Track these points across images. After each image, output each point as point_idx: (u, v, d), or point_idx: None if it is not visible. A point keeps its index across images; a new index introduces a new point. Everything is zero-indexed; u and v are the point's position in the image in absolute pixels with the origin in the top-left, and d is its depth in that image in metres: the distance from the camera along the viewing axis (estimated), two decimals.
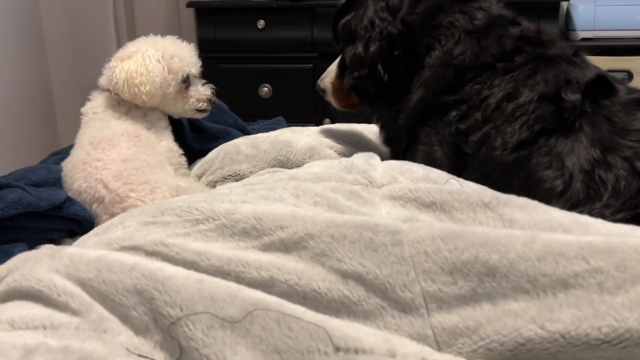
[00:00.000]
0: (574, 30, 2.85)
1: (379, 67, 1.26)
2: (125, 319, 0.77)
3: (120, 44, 1.49)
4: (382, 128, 1.41)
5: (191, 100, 1.48)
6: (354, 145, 1.57)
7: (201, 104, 1.50)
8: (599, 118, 1.04)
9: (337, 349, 0.68)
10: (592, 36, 2.82)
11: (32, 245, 1.14)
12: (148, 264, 0.80)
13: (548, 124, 1.06)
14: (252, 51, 2.99)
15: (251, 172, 1.48)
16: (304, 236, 0.80)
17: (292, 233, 0.81)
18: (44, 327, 0.76)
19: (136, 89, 1.38)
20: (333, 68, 1.47)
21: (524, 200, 0.86)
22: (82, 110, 1.46)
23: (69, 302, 0.78)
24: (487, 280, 0.72)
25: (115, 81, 1.39)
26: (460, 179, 1.00)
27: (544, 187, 1.01)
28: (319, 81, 1.49)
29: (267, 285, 0.77)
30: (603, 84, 1.09)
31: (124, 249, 0.86)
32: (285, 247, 0.80)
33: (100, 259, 0.82)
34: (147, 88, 1.38)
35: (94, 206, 1.28)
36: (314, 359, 0.68)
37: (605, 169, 0.98)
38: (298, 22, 2.92)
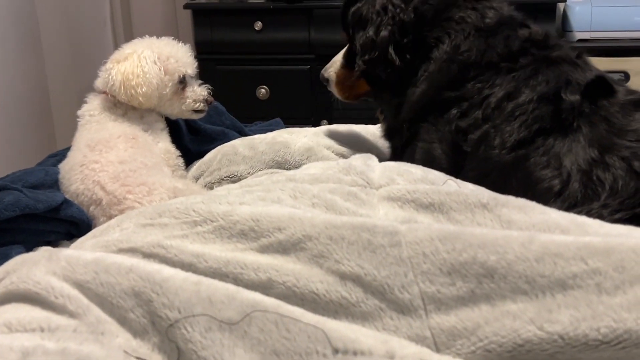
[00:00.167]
0: (571, 31, 2.86)
1: (390, 50, 1.26)
2: (123, 321, 0.77)
3: (117, 47, 1.49)
4: (384, 120, 1.41)
5: (188, 100, 1.48)
6: (352, 146, 1.57)
7: (198, 104, 1.49)
8: (597, 118, 1.04)
9: (336, 351, 0.68)
10: (588, 37, 2.83)
11: (29, 248, 1.14)
12: (146, 266, 0.79)
13: (546, 123, 1.06)
14: (250, 53, 2.99)
15: (249, 174, 1.47)
16: (302, 238, 0.80)
17: (290, 234, 0.81)
18: (42, 330, 0.76)
19: (133, 91, 1.37)
20: (338, 58, 1.47)
21: (521, 201, 0.86)
22: (79, 112, 1.45)
23: (66, 304, 0.78)
24: (485, 281, 0.72)
25: (112, 83, 1.39)
26: (459, 180, 1.00)
27: (542, 186, 1.01)
28: (322, 71, 1.49)
29: (265, 287, 0.77)
30: (602, 85, 1.09)
31: (121, 251, 0.86)
32: (284, 248, 0.80)
33: (98, 261, 0.82)
34: (143, 89, 1.37)
35: (91, 208, 1.28)
36: None
37: (603, 168, 0.98)
38: (295, 23, 2.92)
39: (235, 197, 0.93)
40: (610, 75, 1.15)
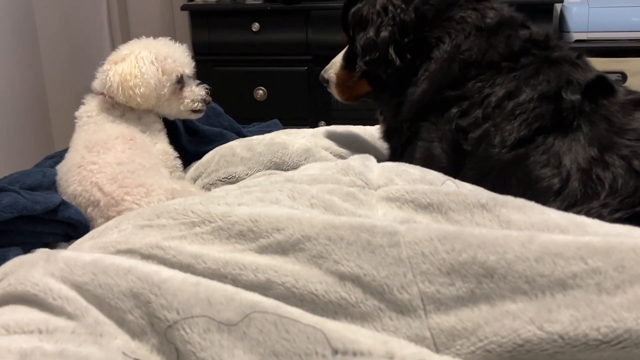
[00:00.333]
0: (568, 32, 2.86)
1: (391, 50, 1.26)
2: (121, 322, 0.77)
3: (114, 48, 1.48)
4: (383, 121, 1.41)
5: (186, 100, 1.48)
6: (350, 147, 1.57)
7: (196, 104, 1.49)
8: (597, 117, 1.04)
9: (335, 352, 0.68)
10: (585, 38, 2.83)
11: (27, 249, 1.13)
12: (144, 267, 0.79)
13: (547, 122, 1.06)
14: (247, 54, 2.99)
15: (247, 175, 1.47)
16: (300, 238, 0.80)
17: (288, 235, 0.81)
18: (40, 332, 0.76)
19: (130, 92, 1.37)
20: (338, 59, 1.47)
21: (520, 201, 0.86)
22: (77, 114, 1.45)
23: (64, 306, 0.78)
24: (485, 281, 0.71)
25: (109, 84, 1.38)
26: (457, 181, 1.00)
27: (542, 185, 1.01)
28: (322, 72, 1.49)
29: (264, 288, 0.77)
30: (603, 85, 1.10)
31: (119, 252, 0.86)
32: (282, 249, 0.80)
33: (96, 262, 0.81)
34: (141, 90, 1.37)
35: (89, 209, 1.28)
36: None
37: (602, 167, 0.98)
38: (292, 24, 2.92)
39: (234, 198, 0.93)
40: (608, 75, 1.15)
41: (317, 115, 2.96)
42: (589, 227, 0.81)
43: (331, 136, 1.59)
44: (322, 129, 1.65)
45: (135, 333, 0.76)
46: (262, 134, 1.63)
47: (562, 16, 2.93)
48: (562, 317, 0.67)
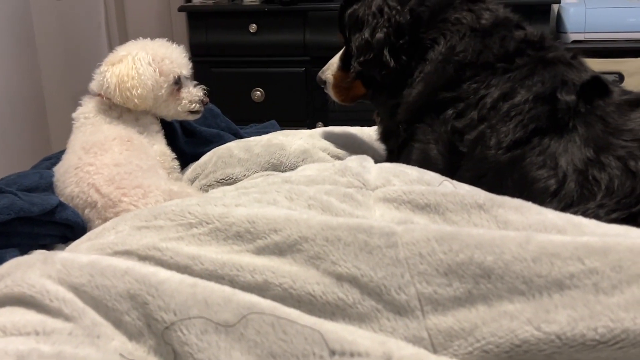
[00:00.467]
0: (565, 32, 2.87)
1: (385, 52, 1.26)
2: (118, 324, 0.77)
3: (111, 49, 1.48)
4: (380, 123, 1.41)
5: (183, 101, 1.47)
6: (348, 148, 1.57)
7: (193, 105, 1.49)
8: (593, 118, 1.04)
9: (333, 353, 0.68)
10: (583, 38, 2.84)
11: (24, 251, 1.13)
12: (141, 269, 0.79)
13: (542, 123, 1.06)
14: (245, 55, 2.99)
15: (244, 176, 1.47)
16: (298, 239, 0.80)
17: (286, 236, 0.81)
18: (37, 333, 0.76)
19: (128, 93, 1.37)
20: (335, 60, 1.47)
21: (518, 202, 0.86)
22: (74, 115, 1.45)
23: (61, 307, 0.78)
24: (482, 281, 0.71)
25: (107, 85, 1.38)
26: (454, 181, 1.00)
27: (538, 186, 1.01)
28: (320, 73, 1.49)
29: (261, 289, 0.77)
30: (598, 85, 1.10)
31: (116, 253, 0.86)
32: (280, 250, 0.80)
33: (93, 263, 0.81)
34: (138, 91, 1.37)
35: (86, 211, 1.28)
36: None
37: (599, 168, 0.98)
38: (290, 26, 2.92)
39: (231, 199, 0.93)
40: (605, 76, 1.16)
41: (315, 116, 2.96)
42: (586, 228, 0.81)
43: (329, 137, 1.59)
44: (320, 130, 1.65)
45: (132, 334, 0.76)
46: (260, 135, 1.63)
47: (559, 17, 2.94)
48: (559, 318, 0.67)
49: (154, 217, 0.91)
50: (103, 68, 1.41)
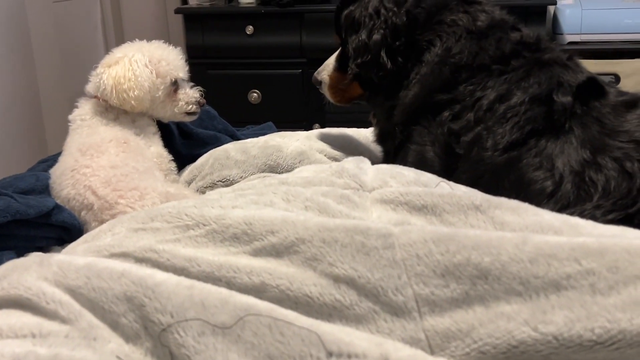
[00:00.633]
0: (561, 34, 2.87)
1: (382, 54, 1.26)
2: (115, 326, 0.77)
3: (108, 51, 1.48)
4: (377, 124, 1.41)
5: (180, 103, 1.47)
6: (344, 149, 1.57)
7: (190, 106, 1.49)
8: (589, 119, 1.04)
9: (330, 354, 0.68)
10: (579, 40, 2.84)
11: (20, 254, 1.12)
12: (138, 271, 0.79)
13: (538, 125, 1.06)
14: (241, 57, 2.99)
15: (241, 178, 1.47)
16: (295, 241, 0.80)
17: (283, 238, 0.80)
18: (33, 336, 0.76)
19: (125, 95, 1.37)
20: (331, 61, 1.47)
21: (514, 203, 0.86)
22: (70, 117, 1.45)
23: (58, 310, 0.78)
24: (479, 282, 0.71)
25: (103, 87, 1.38)
26: (451, 182, 1.00)
27: (535, 188, 1.01)
28: (315, 74, 1.49)
29: (258, 291, 0.77)
30: (594, 87, 1.10)
31: (113, 255, 0.86)
32: (277, 251, 0.80)
33: (90, 266, 0.81)
34: (135, 93, 1.37)
35: (82, 213, 1.27)
36: None
37: (595, 169, 0.98)
38: (287, 27, 2.93)
39: (228, 201, 0.92)
40: (601, 77, 1.16)
41: (312, 117, 2.96)
42: (582, 229, 0.81)
43: (325, 139, 1.59)
44: (317, 132, 1.65)
45: (129, 337, 0.75)
46: (257, 136, 1.63)
47: (555, 18, 2.94)
48: (556, 318, 0.67)
49: (150, 219, 0.91)
50: (99, 70, 1.41)
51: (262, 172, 1.48)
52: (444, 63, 1.21)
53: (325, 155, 1.53)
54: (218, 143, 1.66)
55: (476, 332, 0.69)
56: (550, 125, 1.05)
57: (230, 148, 1.54)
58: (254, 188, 1.01)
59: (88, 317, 0.77)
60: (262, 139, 1.57)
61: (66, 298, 0.79)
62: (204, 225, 0.86)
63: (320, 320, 0.73)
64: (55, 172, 1.37)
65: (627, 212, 0.94)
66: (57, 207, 1.23)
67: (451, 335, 0.70)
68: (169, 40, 1.51)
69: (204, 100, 1.52)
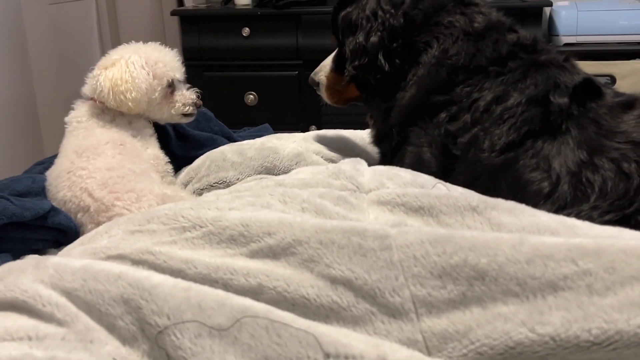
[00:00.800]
0: (557, 35, 2.88)
1: (380, 56, 1.26)
2: (111, 328, 0.76)
3: (104, 53, 1.48)
4: (373, 125, 1.41)
5: (177, 104, 1.47)
6: (341, 151, 1.57)
7: (187, 108, 1.49)
8: (585, 120, 1.04)
9: (327, 356, 0.68)
10: (574, 41, 2.85)
11: (16, 256, 1.13)
12: (134, 273, 0.79)
13: (535, 126, 1.06)
14: (237, 59, 2.99)
15: (238, 179, 1.47)
16: (292, 242, 0.80)
17: (280, 239, 0.80)
18: (29, 338, 0.75)
19: (122, 96, 1.37)
20: (328, 62, 1.47)
21: (511, 204, 0.86)
22: (66, 119, 1.44)
23: (54, 312, 0.77)
24: (476, 283, 0.71)
25: (100, 89, 1.38)
26: (448, 184, 1.00)
27: (531, 189, 1.02)
28: (312, 75, 1.49)
29: (255, 292, 0.76)
30: (590, 88, 1.10)
31: (109, 258, 0.86)
32: (274, 253, 0.80)
33: (86, 268, 0.81)
34: (132, 95, 1.37)
35: (79, 215, 1.27)
36: None
37: (592, 170, 0.99)
38: (283, 29, 2.93)
39: (225, 203, 0.92)
40: (597, 78, 1.16)
41: (308, 119, 2.96)
42: (579, 229, 0.81)
43: (322, 140, 1.59)
44: (313, 133, 1.65)
45: (125, 339, 0.75)
46: (253, 138, 1.63)
47: (551, 20, 2.95)
48: (553, 319, 0.67)
49: (147, 221, 0.91)
50: (96, 72, 1.41)
51: (259, 173, 1.48)
52: (441, 64, 1.21)
53: (322, 157, 1.53)
54: (214, 145, 1.66)
55: (473, 333, 0.69)
56: (547, 126, 1.05)
57: (227, 150, 1.54)
58: (251, 190, 1.00)
59: (84, 319, 0.77)
60: (258, 140, 1.57)
61: (62, 300, 0.79)
62: (201, 227, 0.86)
63: (318, 321, 0.73)
64: (51, 174, 1.36)
65: (624, 213, 0.94)
66: (53, 210, 1.22)
67: (448, 336, 0.70)
68: (165, 42, 1.51)
69: (201, 102, 1.52)
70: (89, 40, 3.05)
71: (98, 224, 1.19)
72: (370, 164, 1.09)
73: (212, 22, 2.98)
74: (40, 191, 1.35)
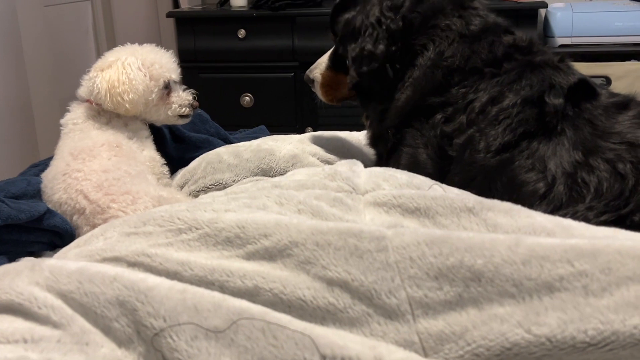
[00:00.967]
0: (552, 36, 2.89)
1: (387, 65, 1.26)
2: (107, 331, 0.76)
3: (99, 55, 1.48)
4: (369, 127, 1.41)
5: (174, 106, 1.47)
6: (337, 152, 1.57)
7: (183, 109, 1.49)
8: (580, 121, 1.05)
9: (324, 357, 0.68)
10: (570, 42, 2.86)
11: (12, 258, 1.12)
12: (130, 275, 0.79)
13: (531, 127, 1.06)
14: (233, 61, 2.99)
15: (234, 181, 1.47)
16: (288, 244, 0.79)
17: (276, 241, 0.80)
18: (25, 341, 0.75)
19: (119, 98, 1.37)
20: (324, 60, 1.47)
21: (507, 205, 0.87)
22: (62, 121, 1.44)
23: (50, 315, 0.77)
24: (472, 285, 0.71)
25: (97, 91, 1.38)
26: (444, 185, 1.00)
27: (527, 189, 1.02)
28: (307, 72, 1.49)
29: (251, 294, 0.76)
30: (585, 88, 1.10)
31: (105, 260, 0.85)
32: (270, 255, 0.80)
33: (82, 270, 0.81)
34: (130, 96, 1.37)
35: (74, 217, 1.27)
36: None
37: (587, 171, 0.99)
38: (279, 31, 2.93)
39: (221, 205, 0.92)
40: (592, 79, 1.16)
41: (304, 121, 2.96)
42: (575, 230, 0.81)
43: (318, 142, 1.59)
44: (309, 135, 1.65)
45: (121, 341, 0.75)
46: (249, 140, 1.62)
47: (546, 21, 2.96)
48: (549, 320, 0.67)
49: (143, 223, 0.91)
50: (92, 74, 1.41)
51: (255, 175, 1.48)
52: (437, 66, 1.21)
53: (318, 159, 1.53)
54: (210, 147, 1.66)
55: (470, 334, 0.69)
56: (542, 127, 1.06)
57: (223, 152, 1.54)
58: (247, 191, 1.00)
59: (80, 322, 0.77)
60: (254, 142, 1.57)
61: (58, 303, 0.78)
62: (197, 229, 0.86)
63: (314, 323, 0.73)
64: (46, 176, 1.36)
65: (619, 214, 0.95)
66: (49, 212, 1.22)
67: (445, 337, 0.70)
68: (160, 44, 1.51)
69: (197, 103, 1.52)
70: (85, 42, 3.04)
71: (94, 226, 1.19)
72: (366, 166, 1.09)
73: (208, 23, 2.98)
74: (36, 193, 1.35)
